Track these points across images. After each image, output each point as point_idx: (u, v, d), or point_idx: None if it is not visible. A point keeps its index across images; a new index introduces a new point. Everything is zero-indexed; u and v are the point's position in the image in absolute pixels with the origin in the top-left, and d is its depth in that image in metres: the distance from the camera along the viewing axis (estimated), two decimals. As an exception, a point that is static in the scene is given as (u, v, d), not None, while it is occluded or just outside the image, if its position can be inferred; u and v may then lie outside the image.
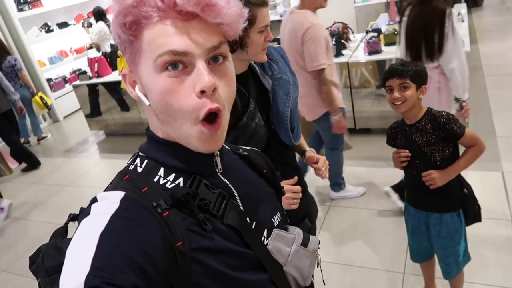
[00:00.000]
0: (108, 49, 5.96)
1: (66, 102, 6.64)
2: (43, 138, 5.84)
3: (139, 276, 0.51)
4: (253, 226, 0.68)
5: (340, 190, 3.06)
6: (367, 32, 3.90)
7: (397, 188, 2.74)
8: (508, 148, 3.21)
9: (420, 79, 1.62)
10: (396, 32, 3.69)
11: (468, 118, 2.49)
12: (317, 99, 2.65)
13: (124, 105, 5.16)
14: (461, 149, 1.68)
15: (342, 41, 3.81)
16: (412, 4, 2.35)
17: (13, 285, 2.88)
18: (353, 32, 4.19)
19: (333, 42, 3.70)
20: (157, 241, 0.55)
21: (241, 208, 0.69)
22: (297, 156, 1.64)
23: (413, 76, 1.59)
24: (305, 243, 0.74)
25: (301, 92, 2.73)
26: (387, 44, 3.66)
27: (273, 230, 0.72)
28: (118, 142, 5.22)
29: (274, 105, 1.42)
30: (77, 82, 5.43)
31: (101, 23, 6.15)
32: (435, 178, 1.63)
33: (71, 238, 0.58)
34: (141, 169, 0.66)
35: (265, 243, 0.70)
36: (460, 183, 1.70)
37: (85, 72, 5.35)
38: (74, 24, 7.14)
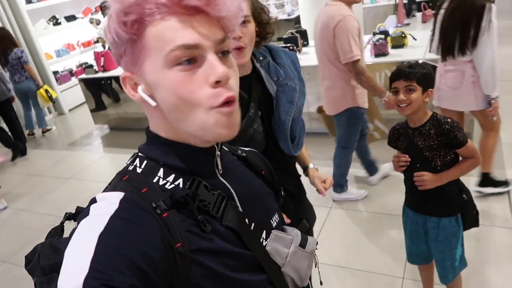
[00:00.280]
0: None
1: (72, 95, 6.68)
2: (48, 130, 5.88)
3: (138, 277, 0.51)
4: (252, 228, 0.69)
5: (342, 192, 3.05)
6: (374, 34, 3.87)
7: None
8: (513, 155, 3.19)
9: (427, 82, 1.60)
10: (403, 35, 3.67)
11: (496, 116, 2.50)
12: (340, 94, 2.67)
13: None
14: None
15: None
16: None
17: (13, 276, 2.90)
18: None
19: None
20: (156, 242, 0.55)
21: (240, 209, 0.69)
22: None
23: (419, 79, 1.58)
24: (303, 244, 0.74)
25: (325, 86, 2.79)
26: (394, 47, 3.64)
27: (272, 231, 0.73)
28: (122, 137, 5.23)
29: (276, 112, 1.38)
30: (83, 76, 5.44)
31: (108, 17, 6.16)
32: (426, 180, 1.63)
33: (67, 238, 0.59)
34: (141, 169, 0.65)
35: (264, 244, 0.70)
36: (459, 189, 1.69)
37: (91, 66, 5.37)
38: (82, 18, 7.16)
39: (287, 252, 0.71)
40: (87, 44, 7.21)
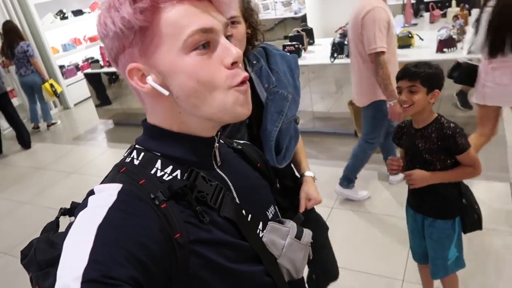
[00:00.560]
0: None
1: (77, 89, 6.69)
2: (53, 124, 5.89)
3: (137, 268, 0.51)
4: (248, 219, 0.69)
5: (348, 187, 2.99)
6: (380, 33, 3.83)
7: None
8: (518, 159, 3.14)
9: (432, 83, 1.56)
10: (410, 35, 3.63)
11: None
12: (367, 87, 2.64)
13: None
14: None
15: (355, 41, 3.75)
16: None
17: (13, 269, 2.91)
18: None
19: (346, 42, 3.65)
20: (155, 233, 0.55)
21: (237, 200, 0.70)
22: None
23: (423, 79, 1.55)
24: (299, 236, 0.74)
25: (355, 78, 2.78)
26: (400, 47, 3.58)
27: (268, 223, 0.73)
28: (126, 132, 5.23)
29: (263, 121, 1.29)
30: (89, 70, 5.45)
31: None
32: (415, 178, 1.62)
33: (63, 232, 0.59)
34: (138, 161, 0.65)
35: (260, 235, 0.70)
36: (459, 193, 1.67)
37: (97, 61, 5.37)
38: (89, 12, 7.17)
39: (283, 243, 0.72)
40: (93, 39, 7.22)
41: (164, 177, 0.64)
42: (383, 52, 2.44)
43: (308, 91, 3.96)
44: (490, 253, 2.30)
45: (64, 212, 0.69)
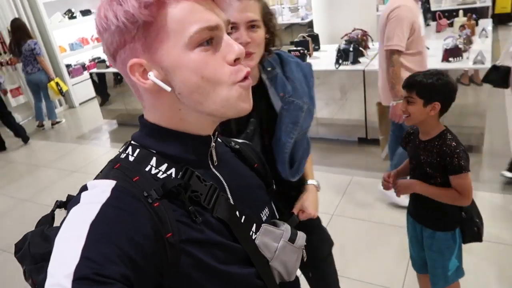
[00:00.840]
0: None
1: (83, 89, 6.72)
2: (57, 122, 5.92)
3: (128, 266, 0.51)
4: (242, 220, 0.69)
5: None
6: (386, 41, 3.83)
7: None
8: (523, 171, 3.11)
9: (430, 95, 1.49)
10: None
11: None
12: None
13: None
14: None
15: (360, 48, 3.75)
16: None
17: (13, 266, 2.89)
18: (372, 40, 4.12)
19: (351, 49, 3.65)
20: (147, 232, 0.55)
21: (231, 201, 0.69)
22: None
23: (420, 91, 1.50)
24: (292, 239, 0.74)
25: (381, 76, 2.72)
26: (406, 55, 3.58)
27: (262, 225, 0.72)
28: (130, 132, 5.01)
29: (277, 131, 1.23)
30: (94, 70, 5.48)
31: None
32: (398, 185, 1.63)
33: (58, 226, 0.58)
34: (133, 158, 0.65)
35: (253, 237, 0.70)
36: (459, 206, 1.62)
37: (103, 61, 5.40)
38: (97, 13, 7.22)
39: (276, 246, 0.71)
40: (100, 39, 7.25)
41: (159, 175, 0.63)
42: (398, 51, 2.41)
43: (312, 97, 3.94)
44: (492, 266, 2.27)
45: (60, 205, 0.69)
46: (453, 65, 3.25)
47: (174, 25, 0.58)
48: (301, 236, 0.75)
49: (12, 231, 3.34)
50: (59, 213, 0.68)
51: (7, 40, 5.76)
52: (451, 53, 3.29)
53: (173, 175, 0.64)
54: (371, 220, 2.86)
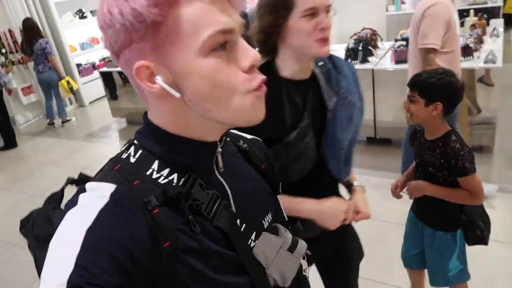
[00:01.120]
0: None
1: (93, 88, 6.78)
2: (67, 121, 5.98)
3: (122, 276, 0.49)
4: (242, 229, 0.66)
5: None
6: (396, 40, 3.81)
7: None
8: (534, 172, 3.07)
9: (432, 95, 1.47)
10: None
11: None
12: None
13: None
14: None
15: (369, 47, 3.74)
16: None
17: (22, 260, 2.93)
18: (381, 40, 4.10)
19: (360, 48, 3.64)
20: (144, 240, 0.53)
21: (233, 209, 0.67)
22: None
23: (421, 91, 1.49)
24: (291, 249, 0.71)
25: (411, 72, 2.59)
26: (415, 54, 3.56)
27: (262, 232, 0.70)
28: None
29: (331, 128, 1.16)
30: (104, 69, 5.53)
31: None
32: (411, 188, 1.62)
33: (63, 210, 0.57)
34: (134, 159, 0.61)
35: (252, 245, 0.68)
36: (460, 208, 1.61)
37: (113, 60, 5.45)
38: (108, 13, 7.29)
39: (274, 255, 0.69)
40: (103, 35, 7.31)
41: (160, 180, 0.60)
42: (434, 50, 2.36)
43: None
44: (500, 268, 2.24)
45: (71, 181, 0.67)
46: (464, 64, 3.23)
47: (186, 27, 0.54)
48: (301, 245, 0.73)
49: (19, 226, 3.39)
50: (69, 190, 0.68)
51: (19, 39, 5.84)
52: (462, 52, 3.26)
53: (175, 181, 0.61)
54: (379, 219, 2.84)
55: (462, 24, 4.41)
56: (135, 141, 0.64)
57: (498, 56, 3.15)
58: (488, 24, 4.11)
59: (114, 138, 5.41)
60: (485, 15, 4.12)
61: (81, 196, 0.56)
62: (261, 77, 0.60)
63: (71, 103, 6.69)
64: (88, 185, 0.58)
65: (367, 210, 1.27)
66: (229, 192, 0.67)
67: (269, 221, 0.75)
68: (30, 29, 5.33)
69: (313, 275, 1.58)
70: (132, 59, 0.56)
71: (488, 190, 2.84)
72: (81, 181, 0.65)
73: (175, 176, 0.61)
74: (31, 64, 5.79)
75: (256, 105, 0.60)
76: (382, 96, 3.64)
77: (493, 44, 3.57)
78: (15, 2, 5.94)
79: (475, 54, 3.28)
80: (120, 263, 0.50)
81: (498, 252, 2.33)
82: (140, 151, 0.62)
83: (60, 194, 0.69)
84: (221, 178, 0.67)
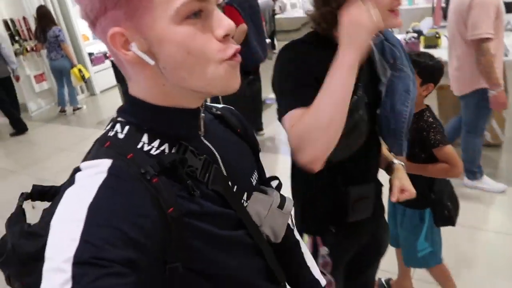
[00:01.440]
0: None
1: (104, 77, 6.83)
2: (78, 109, 6.05)
3: (130, 248, 0.50)
4: (234, 190, 0.69)
5: (475, 179, 2.81)
6: (407, 32, 3.79)
7: None
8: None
9: (428, 76, 1.56)
10: (437, 35, 3.56)
11: None
12: (469, 74, 2.48)
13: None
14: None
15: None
16: None
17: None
18: (393, 32, 4.07)
19: (371, 40, 3.62)
20: (147, 210, 0.54)
21: (224, 172, 0.69)
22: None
23: (421, 71, 1.54)
24: (281, 206, 0.75)
25: (454, 65, 2.61)
26: (426, 47, 3.54)
27: (253, 193, 0.73)
28: None
29: (388, 101, 1.12)
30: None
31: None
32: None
33: (46, 219, 0.56)
34: (123, 135, 0.61)
35: (245, 205, 0.71)
36: (429, 187, 1.65)
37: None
38: (120, 3, 7.33)
39: (266, 213, 0.73)
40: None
41: (152, 152, 0.61)
42: (488, 39, 2.26)
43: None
44: (500, 257, 2.24)
45: (26, 196, 0.66)
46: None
47: None
48: (289, 202, 0.77)
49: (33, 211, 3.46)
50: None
51: (33, 27, 5.91)
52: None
53: (167, 151, 0.62)
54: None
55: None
56: (119, 118, 0.64)
57: (511, 50, 3.11)
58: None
59: (124, 126, 5.46)
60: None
61: (78, 175, 0.56)
62: (235, 46, 0.60)
63: (82, 92, 6.76)
64: (83, 164, 0.58)
65: (412, 188, 1.24)
66: (217, 156, 0.69)
67: (256, 179, 0.79)
68: (43, 16, 5.39)
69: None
70: (107, 27, 0.55)
71: (497, 188, 2.83)
72: (36, 194, 0.67)
73: (166, 146, 0.62)
74: (44, 52, 5.86)
75: (230, 74, 0.60)
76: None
77: (506, 39, 3.52)
78: (30, -10, 6.01)
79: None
80: (128, 236, 0.50)
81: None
82: (127, 127, 0.62)
83: (21, 213, 0.66)
84: (207, 143, 0.69)
